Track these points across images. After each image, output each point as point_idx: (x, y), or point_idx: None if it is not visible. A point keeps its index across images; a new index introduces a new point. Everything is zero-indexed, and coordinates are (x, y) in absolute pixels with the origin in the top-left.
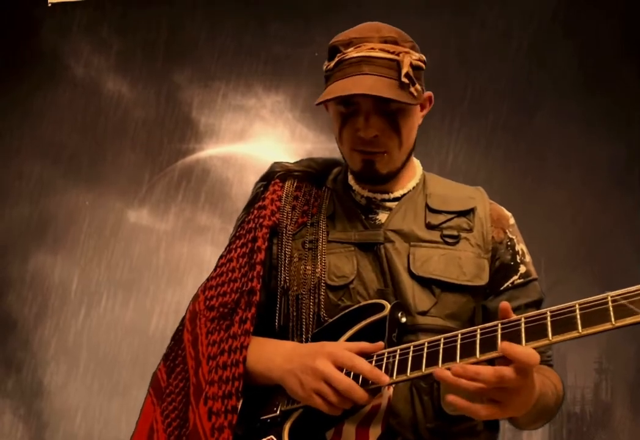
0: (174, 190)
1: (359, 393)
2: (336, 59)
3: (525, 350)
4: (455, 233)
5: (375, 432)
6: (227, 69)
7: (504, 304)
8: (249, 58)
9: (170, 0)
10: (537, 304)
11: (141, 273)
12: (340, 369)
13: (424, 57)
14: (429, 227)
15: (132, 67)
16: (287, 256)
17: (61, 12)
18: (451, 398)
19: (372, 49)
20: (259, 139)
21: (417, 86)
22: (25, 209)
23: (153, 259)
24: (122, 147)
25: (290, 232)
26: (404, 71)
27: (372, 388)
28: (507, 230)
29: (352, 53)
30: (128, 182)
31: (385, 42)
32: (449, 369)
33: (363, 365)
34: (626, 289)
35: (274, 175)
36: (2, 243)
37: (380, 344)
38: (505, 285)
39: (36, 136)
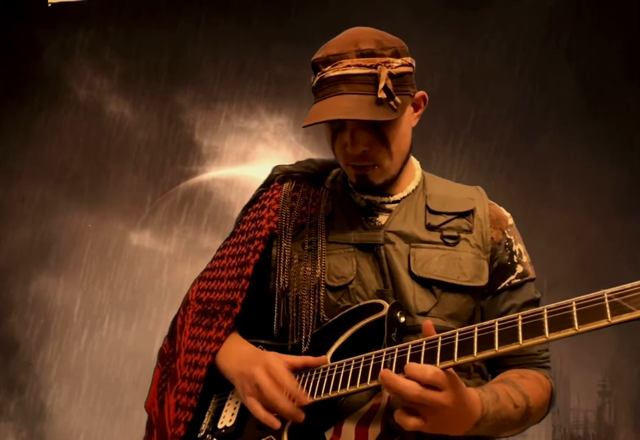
0: (176, 213)
1: (282, 404)
2: (317, 78)
3: (419, 367)
4: (455, 234)
5: (374, 431)
6: (229, 91)
7: (427, 323)
8: (252, 80)
9: (173, 22)
10: (534, 303)
11: (144, 295)
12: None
13: (408, 60)
14: (429, 228)
15: (135, 89)
16: (287, 258)
17: (63, 34)
18: (397, 411)
19: (349, 66)
20: (262, 161)
21: (397, 99)
22: (28, 231)
23: (155, 281)
24: (125, 169)
25: (289, 234)
26: (381, 85)
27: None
28: (505, 231)
29: (329, 72)
30: (130, 204)
31: (362, 55)
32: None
33: (287, 382)
34: (622, 286)
35: (274, 178)
36: (5, 265)
37: (324, 358)
38: (503, 285)
39: (38, 158)
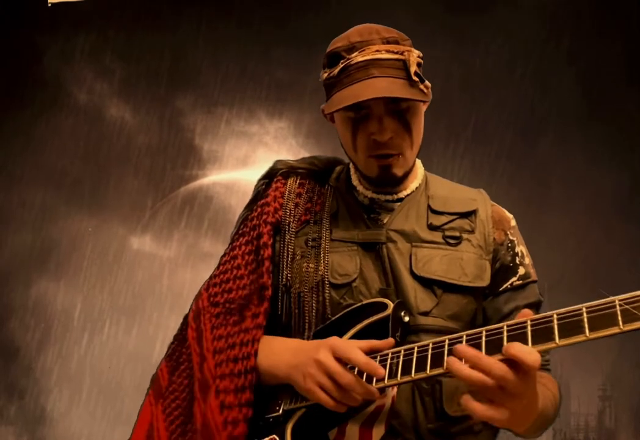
0: (177, 217)
1: (363, 386)
2: (340, 66)
3: (527, 350)
4: (457, 234)
5: (378, 432)
6: (230, 95)
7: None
8: (252, 84)
9: (173, 27)
10: (535, 306)
11: (144, 300)
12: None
13: (421, 53)
14: (431, 228)
15: (135, 94)
16: (290, 254)
17: (64, 38)
18: (465, 398)
19: (378, 51)
20: (262, 165)
21: (427, 83)
22: (28, 236)
23: (156, 285)
24: (125, 174)
25: (293, 230)
26: (412, 70)
27: (378, 387)
28: (508, 232)
29: (357, 57)
30: (131, 209)
31: (388, 42)
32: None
33: (359, 357)
34: (633, 293)
35: (277, 172)
36: (5, 270)
37: (391, 340)
38: (504, 286)
39: (39, 163)
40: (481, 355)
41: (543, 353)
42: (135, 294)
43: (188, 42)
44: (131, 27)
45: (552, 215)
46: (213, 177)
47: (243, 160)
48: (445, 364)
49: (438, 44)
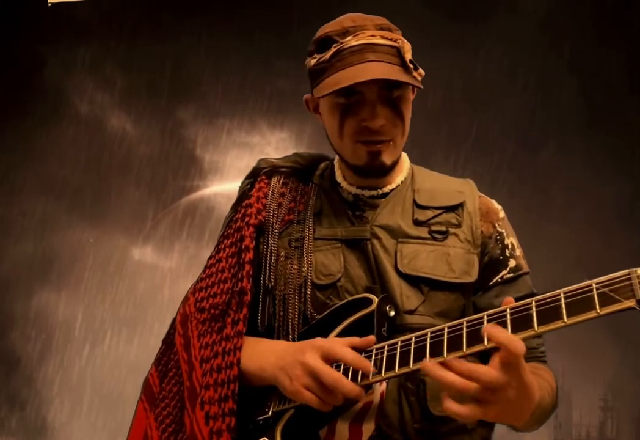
0: (178, 228)
1: (347, 386)
2: (333, 50)
3: (509, 337)
4: (443, 229)
5: (368, 428)
6: (231, 106)
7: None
8: (254, 94)
9: (175, 37)
10: (531, 297)
11: (145, 310)
12: (331, 363)
13: (410, 45)
14: (417, 223)
15: (136, 104)
16: (274, 255)
17: (65, 49)
18: (446, 402)
19: (373, 36)
20: None
21: (420, 71)
22: (29, 246)
23: (157, 296)
24: (126, 184)
25: (276, 230)
26: (407, 57)
27: (364, 384)
28: (496, 224)
29: (351, 42)
30: (132, 219)
31: (382, 29)
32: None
33: (348, 354)
34: (609, 275)
35: (260, 171)
36: (6, 280)
37: (371, 338)
38: (495, 280)
39: (40, 173)
40: (461, 364)
41: (540, 345)
42: (137, 304)
43: (189, 52)
44: (132, 38)
45: (553, 224)
46: (214, 188)
47: (244, 171)
48: (425, 368)
49: (439, 53)
